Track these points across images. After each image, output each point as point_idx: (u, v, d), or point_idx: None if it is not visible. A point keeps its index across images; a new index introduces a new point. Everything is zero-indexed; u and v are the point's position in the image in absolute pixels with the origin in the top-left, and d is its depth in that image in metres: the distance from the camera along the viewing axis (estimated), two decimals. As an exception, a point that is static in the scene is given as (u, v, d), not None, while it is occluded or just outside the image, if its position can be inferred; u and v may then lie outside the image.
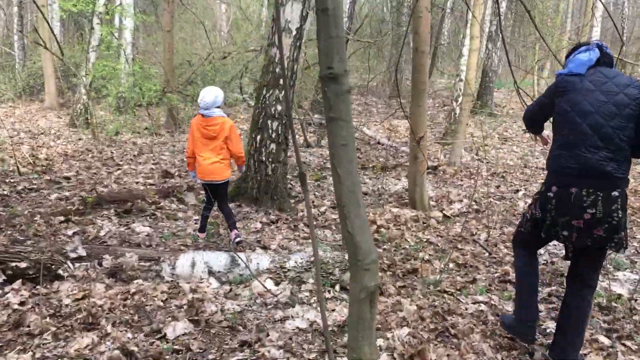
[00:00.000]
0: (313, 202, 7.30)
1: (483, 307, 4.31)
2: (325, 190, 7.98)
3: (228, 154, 5.45)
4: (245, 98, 15.12)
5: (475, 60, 9.23)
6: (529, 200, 7.88)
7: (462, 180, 9.04)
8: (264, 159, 6.64)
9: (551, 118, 3.41)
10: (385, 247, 5.87)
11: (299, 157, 1.58)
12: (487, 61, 16.07)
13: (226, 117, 5.43)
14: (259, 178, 6.72)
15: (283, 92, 6.63)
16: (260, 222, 6.30)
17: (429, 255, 5.65)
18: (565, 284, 3.52)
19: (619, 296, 4.59)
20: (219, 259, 4.50)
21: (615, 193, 3.02)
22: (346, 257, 4.56)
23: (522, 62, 21.34)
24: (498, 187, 8.55)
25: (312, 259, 4.53)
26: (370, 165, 9.54)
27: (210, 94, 5.25)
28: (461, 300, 4.45)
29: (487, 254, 5.72)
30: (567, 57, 3.44)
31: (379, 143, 11.48)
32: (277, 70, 6.57)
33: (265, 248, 5.54)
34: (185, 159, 8.20)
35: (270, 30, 6.67)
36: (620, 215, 3.02)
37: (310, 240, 5.90)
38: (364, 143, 11.61)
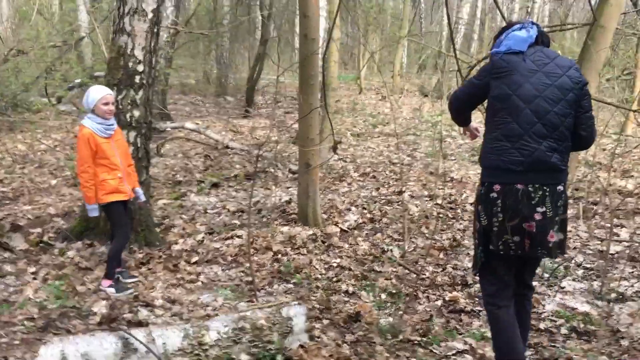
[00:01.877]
0: (183, 228, 5.85)
1: (469, 359, 3.41)
2: (193, 211, 6.54)
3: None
4: (54, 102, 12.74)
5: (336, 51, 8.39)
6: (419, 202, 7.28)
7: (334, 184, 8.17)
8: (120, 181, 5.06)
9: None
10: (295, 281, 4.73)
11: None
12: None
13: (84, 125, 4.19)
14: (114, 206, 5.12)
15: (141, 92, 5.12)
16: (127, 267, 4.76)
17: (352, 285, 4.64)
18: None
19: (587, 315, 4.01)
20: (102, 345, 2.99)
21: (560, 187, 2.71)
22: (284, 312, 3.36)
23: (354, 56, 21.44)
24: (378, 189, 7.83)
25: (240, 325, 3.24)
26: (232, 175, 8.24)
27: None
28: (436, 351, 3.50)
29: (414, 276, 4.87)
30: (497, 37, 2.98)
31: (227, 147, 10.18)
32: (131, 64, 5.02)
33: (148, 305, 4.07)
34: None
35: (116, 12, 5.09)
36: (564, 214, 2.73)
37: (206, 286, 4.54)
38: (211, 148, 10.22)
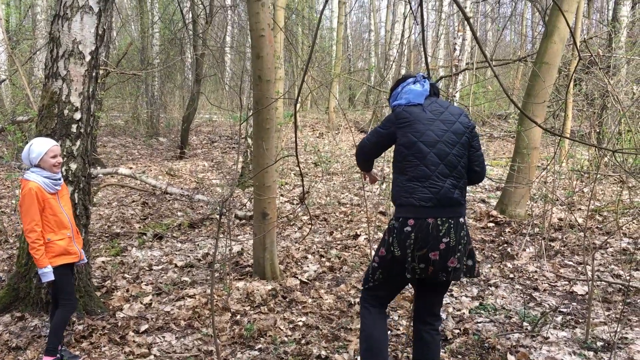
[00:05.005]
0: (127, 290, 5.27)
1: None
2: (136, 269, 5.94)
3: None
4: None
5: (282, 90, 8.09)
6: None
7: (285, 230, 7.77)
8: (56, 242, 4.46)
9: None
10: (259, 346, 4.28)
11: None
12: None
13: (29, 180, 3.75)
14: (49, 271, 4.51)
15: (78, 142, 4.59)
16: (66, 343, 4.15)
17: (324, 348, 4.24)
18: (414, 321, 3.39)
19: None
20: None
21: (462, 219, 3.09)
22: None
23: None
24: (332, 233, 7.48)
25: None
26: (175, 224, 7.68)
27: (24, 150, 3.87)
28: None
29: (388, 332, 4.51)
30: (393, 89, 3.39)
31: (166, 193, 9.59)
32: (66, 112, 4.50)
33: (95, 392, 3.51)
34: None
35: (48, 55, 4.57)
36: (466, 241, 3.09)
37: (159, 361, 4.00)
38: (148, 194, 9.60)
